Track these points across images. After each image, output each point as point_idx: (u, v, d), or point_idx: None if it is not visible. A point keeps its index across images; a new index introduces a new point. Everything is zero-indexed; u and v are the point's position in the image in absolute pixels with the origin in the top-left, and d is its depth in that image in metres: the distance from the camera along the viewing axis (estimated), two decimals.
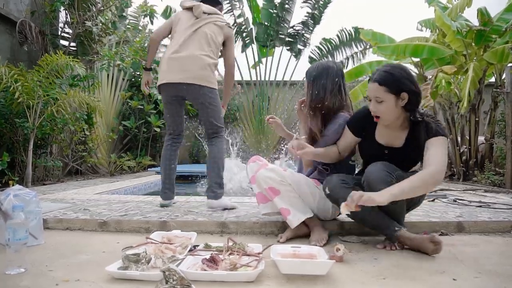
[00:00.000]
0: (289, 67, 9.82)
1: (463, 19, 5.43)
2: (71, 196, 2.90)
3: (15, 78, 4.18)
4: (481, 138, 5.63)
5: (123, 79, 7.63)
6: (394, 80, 1.61)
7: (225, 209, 2.30)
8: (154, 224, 1.97)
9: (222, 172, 2.37)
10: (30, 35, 5.46)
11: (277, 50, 9.66)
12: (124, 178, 5.45)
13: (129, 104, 7.74)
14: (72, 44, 6.25)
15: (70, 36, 6.17)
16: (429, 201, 2.72)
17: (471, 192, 3.33)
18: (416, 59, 5.72)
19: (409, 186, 1.50)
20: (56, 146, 5.40)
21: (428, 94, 4.58)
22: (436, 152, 1.58)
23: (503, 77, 5.31)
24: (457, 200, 2.67)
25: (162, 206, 2.41)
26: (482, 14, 4.72)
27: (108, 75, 6.56)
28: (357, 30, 8.98)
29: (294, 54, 9.66)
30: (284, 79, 9.86)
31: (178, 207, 2.44)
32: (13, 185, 3.84)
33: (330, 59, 9.60)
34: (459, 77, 5.09)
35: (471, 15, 5.42)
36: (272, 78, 9.84)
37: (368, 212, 1.59)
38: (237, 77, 9.81)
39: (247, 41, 9.59)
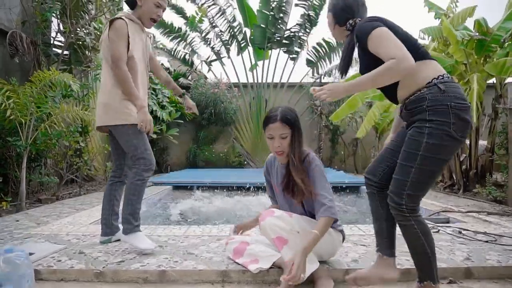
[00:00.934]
0: (286, 69, 9.73)
1: (464, 28, 5.36)
2: (66, 228, 2.81)
3: (7, 95, 4.06)
4: (482, 143, 5.60)
5: None
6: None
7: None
8: (153, 274, 1.89)
9: (132, 205, 2.19)
10: (21, 46, 5.31)
11: (274, 52, 9.55)
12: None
13: None
14: (66, 52, 6.11)
15: (63, 45, 6.02)
16: (433, 232, 2.66)
17: (474, 215, 3.28)
18: None
19: (369, 76, 1.54)
20: (50, 160, 5.30)
21: None
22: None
23: (505, 82, 5.25)
24: (462, 232, 2.61)
25: (101, 243, 2.36)
26: (480, 25, 4.64)
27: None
28: None
29: (291, 56, 9.55)
30: (281, 81, 9.77)
31: (177, 245, 2.36)
32: (6, 207, 3.79)
33: (327, 61, 9.50)
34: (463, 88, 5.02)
35: (472, 24, 5.35)
36: (269, 80, 9.75)
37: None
38: (233, 79, 9.72)
39: (242, 44, 9.46)
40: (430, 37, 5.70)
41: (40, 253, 2.10)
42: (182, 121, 8.63)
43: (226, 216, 3.91)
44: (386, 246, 1.74)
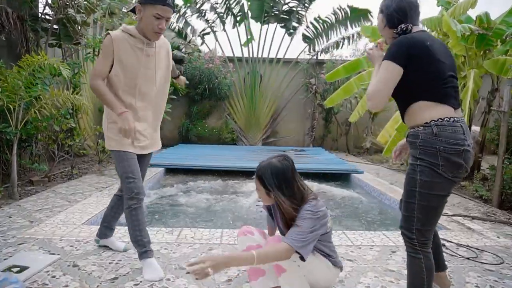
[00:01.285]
0: (282, 44, 9.50)
1: (466, 19, 5.23)
2: (59, 229, 2.83)
3: None
4: (475, 128, 5.66)
5: None
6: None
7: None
8: None
9: (131, 233, 2.17)
10: (7, 22, 5.08)
11: (271, 27, 9.28)
12: (114, 172, 5.37)
13: None
14: (55, 26, 5.86)
15: (51, 19, 5.77)
16: None
17: (459, 220, 3.38)
18: None
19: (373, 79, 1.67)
20: (41, 143, 5.25)
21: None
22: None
23: (500, 81, 5.23)
24: (445, 245, 2.71)
25: (95, 240, 2.52)
26: (481, 21, 4.53)
27: (94, 58, 6.22)
28: (353, 9, 8.62)
29: (288, 31, 9.29)
30: (277, 57, 9.57)
31: (169, 257, 2.42)
32: None
33: (324, 38, 9.28)
34: (460, 82, 4.98)
35: (475, 14, 5.22)
36: (265, 55, 9.54)
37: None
38: (228, 53, 9.50)
39: (238, 17, 9.15)
40: (430, 29, 5.57)
41: (34, 267, 2.14)
42: (175, 97, 8.50)
43: (221, 205, 3.97)
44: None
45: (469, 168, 1.66)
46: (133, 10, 2.16)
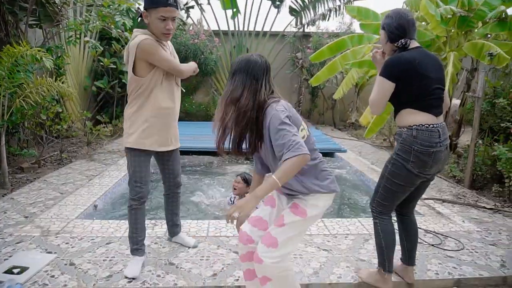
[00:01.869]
0: (269, 17, 9.37)
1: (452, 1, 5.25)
2: (54, 224, 2.99)
3: None
4: (456, 102, 5.85)
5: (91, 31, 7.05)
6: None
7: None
8: None
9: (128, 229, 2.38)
10: None
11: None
12: (104, 157, 5.48)
13: (101, 62, 7.38)
14: (33, 7, 5.70)
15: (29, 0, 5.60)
16: None
17: (430, 204, 3.63)
18: None
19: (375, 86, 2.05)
20: (28, 131, 5.29)
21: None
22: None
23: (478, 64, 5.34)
24: None
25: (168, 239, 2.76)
26: (463, 4, 4.57)
27: (76, 42, 6.12)
28: None
29: (274, 3, 9.13)
30: (264, 30, 9.46)
31: (159, 251, 2.60)
32: None
33: (311, 11, 9.16)
34: None
35: None
36: (251, 29, 9.42)
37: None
38: (214, 27, 9.34)
39: None
40: (413, 9, 5.58)
41: (34, 267, 2.31)
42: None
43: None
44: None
45: (442, 165, 2.03)
46: (141, 16, 2.22)
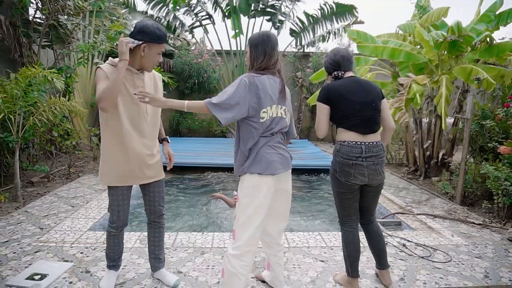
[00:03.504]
0: None
1: (440, 23, 5.58)
2: (68, 236, 3.19)
3: None
4: (450, 121, 6.10)
5: (100, 52, 7.38)
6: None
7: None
8: None
9: None
10: (0, 30, 5.25)
11: (258, 20, 9.47)
12: None
13: None
14: (46, 29, 6.02)
15: (43, 22, 5.92)
16: None
17: (423, 219, 3.83)
18: None
19: None
20: (37, 146, 5.52)
21: (403, 107, 4.88)
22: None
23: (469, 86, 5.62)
24: (405, 245, 3.15)
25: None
26: (453, 31, 4.87)
27: (86, 63, 6.42)
28: (338, 5, 8.87)
29: (274, 25, 9.51)
30: None
31: (168, 261, 2.79)
32: (4, 200, 4.11)
33: (311, 33, 9.53)
34: (432, 87, 5.37)
35: (449, 18, 5.57)
36: None
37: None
38: (216, 46, 9.70)
39: (226, 11, 9.31)
40: (407, 34, 5.91)
41: (53, 274, 2.50)
42: (165, 92, 8.74)
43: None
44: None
45: (369, 178, 2.26)
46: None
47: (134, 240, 3.13)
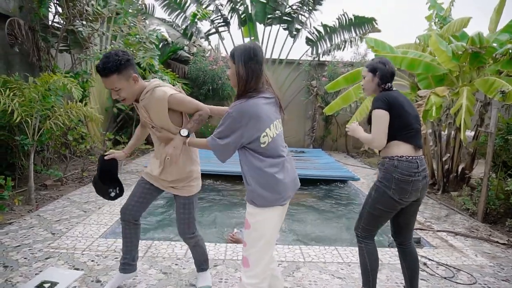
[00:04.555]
0: (285, 45, 9.70)
1: (461, 34, 5.44)
2: (79, 242, 3.15)
3: (11, 97, 4.19)
4: (469, 134, 5.93)
5: None
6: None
7: None
8: None
9: None
10: (20, 34, 5.32)
11: (274, 28, 9.46)
12: (123, 177, 5.67)
13: None
14: (64, 34, 6.09)
15: (61, 27, 5.98)
16: None
17: (443, 236, 3.67)
18: None
19: (361, 134, 2.28)
20: (52, 150, 5.54)
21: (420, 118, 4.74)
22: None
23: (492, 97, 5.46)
24: (426, 264, 3.01)
25: None
26: (473, 41, 4.74)
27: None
28: (356, 17, 8.79)
29: (290, 34, 9.48)
30: (280, 58, 9.77)
31: (180, 272, 2.71)
32: (18, 204, 4.10)
33: (327, 42, 9.46)
34: (452, 98, 5.22)
35: (470, 29, 5.42)
36: (267, 56, 9.73)
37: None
38: None
39: (243, 18, 9.31)
40: (426, 45, 5.79)
41: (63, 283, 2.45)
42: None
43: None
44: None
45: (421, 194, 2.18)
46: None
47: (146, 249, 3.06)
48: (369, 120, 2.24)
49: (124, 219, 2.35)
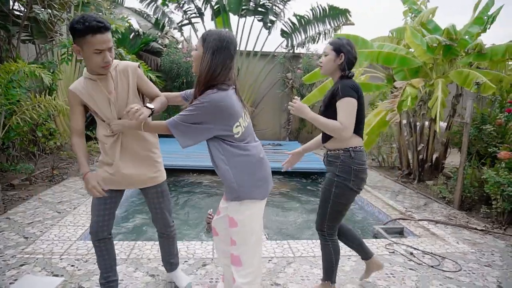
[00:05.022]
0: (260, 38, 9.58)
1: (433, 26, 5.57)
2: (56, 246, 2.95)
3: None
4: (443, 124, 6.11)
5: None
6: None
7: None
8: None
9: None
10: None
11: (248, 20, 9.31)
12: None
13: None
14: (26, 23, 5.68)
15: (22, 15, 5.57)
16: (389, 253, 3.09)
17: (424, 225, 3.76)
18: None
19: (321, 120, 2.06)
20: (18, 147, 5.20)
21: (395, 108, 4.82)
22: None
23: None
24: (412, 253, 3.07)
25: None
26: (449, 32, 4.86)
27: (70, 59, 6.11)
28: (331, 7, 8.80)
29: (265, 25, 9.38)
30: (255, 50, 9.65)
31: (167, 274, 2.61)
32: None
33: (302, 34, 9.44)
34: (426, 90, 5.34)
35: (440, 20, 5.55)
36: (242, 48, 9.59)
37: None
38: None
39: (216, 9, 9.11)
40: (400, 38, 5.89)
41: None
42: None
43: None
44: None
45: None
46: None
47: (129, 250, 2.92)
48: (326, 106, 2.13)
49: (99, 238, 2.08)
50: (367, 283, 2.60)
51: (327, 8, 8.86)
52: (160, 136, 2.20)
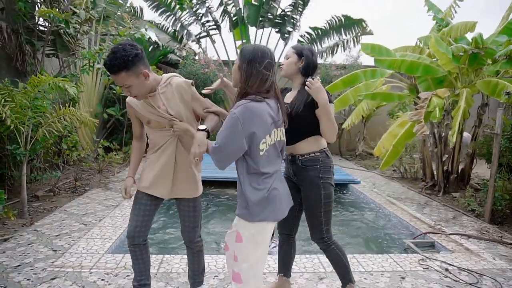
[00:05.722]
0: (277, 49, 9.63)
1: (460, 37, 5.47)
2: (85, 259, 2.95)
3: (2, 103, 3.94)
4: (466, 134, 5.97)
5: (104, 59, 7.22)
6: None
7: None
8: None
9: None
10: (1, 37, 5.03)
11: (266, 31, 9.38)
12: (119, 186, 5.44)
13: (114, 90, 7.52)
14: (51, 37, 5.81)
15: (46, 30, 5.70)
16: (424, 268, 2.99)
17: (457, 240, 3.63)
18: None
19: (332, 112, 2.07)
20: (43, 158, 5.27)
21: (422, 120, 4.71)
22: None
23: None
24: (448, 269, 2.95)
25: None
26: (477, 42, 4.77)
27: (90, 70, 6.22)
28: (347, 17, 8.80)
29: (282, 36, 9.41)
30: None
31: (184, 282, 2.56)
32: (12, 218, 3.84)
33: (319, 44, 9.44)
34: (451, 100, 5.24)
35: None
36: None
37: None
38: (223, 57, 9.55)
39: (234, 20, 9.19)
40: (426, 47, 5.80)
41: None
42: None
43: None
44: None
45: None
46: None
47: (158, 264, 2.89)
48: (311, 108, 2.07)
49: (134, 243, 2.12)
50: None
51: (342, 18, 8.85)
52: None
